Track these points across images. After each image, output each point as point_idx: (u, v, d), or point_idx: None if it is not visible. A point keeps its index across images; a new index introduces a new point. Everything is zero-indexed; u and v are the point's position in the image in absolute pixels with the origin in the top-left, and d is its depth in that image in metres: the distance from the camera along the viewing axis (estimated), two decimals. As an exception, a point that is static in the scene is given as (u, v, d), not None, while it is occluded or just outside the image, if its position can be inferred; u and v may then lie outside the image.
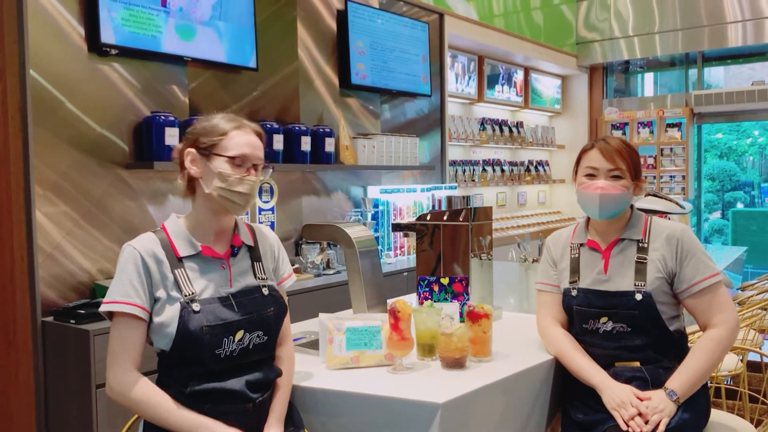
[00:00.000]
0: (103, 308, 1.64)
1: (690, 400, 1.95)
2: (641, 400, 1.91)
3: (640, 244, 2.06)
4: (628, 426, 1.87)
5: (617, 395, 1.92)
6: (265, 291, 1.77)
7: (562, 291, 2.15)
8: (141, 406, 1.61)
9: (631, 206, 2.14)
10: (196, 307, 1.64)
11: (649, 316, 1.99)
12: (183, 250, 1.71)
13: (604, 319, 2.04)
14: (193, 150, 1.71)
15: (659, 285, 2.01)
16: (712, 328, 2.01)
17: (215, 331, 1.63)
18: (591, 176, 2.08)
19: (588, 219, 2.18)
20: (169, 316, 1.63)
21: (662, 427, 1.86)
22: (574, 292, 2.10)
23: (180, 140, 3.26)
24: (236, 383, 1.67)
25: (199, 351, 1.62)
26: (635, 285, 2.01)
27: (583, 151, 2.14)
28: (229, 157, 1.68)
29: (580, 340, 2.09)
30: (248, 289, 1.75)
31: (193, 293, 1.66)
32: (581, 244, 2.15)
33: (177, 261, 1.69)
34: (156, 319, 1.64)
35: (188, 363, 1.65)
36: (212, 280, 1.71)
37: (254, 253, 1.81)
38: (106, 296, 1.64)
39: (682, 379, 1.94)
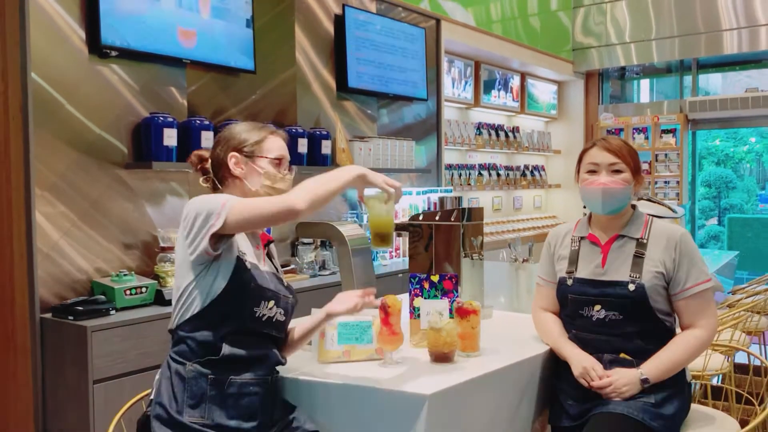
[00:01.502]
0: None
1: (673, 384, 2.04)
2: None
3: (640, 241, 2.12)
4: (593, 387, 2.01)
5: (581, 364, 2.04)
6: (285, 282, 1.96)
7: (557, 280, 2.21)
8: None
9: (633, 206, 2.20)
10: (248, 265, 1.81)
11: (641, 306, 2.05)
12: None
13: (597, 307, 2.10)
14: (236, 153, 1.90)
15: (655, 283, 2.06)
16: (695, 328, 2.07)
17: (256, 292, 1.81)
18: (593, 172, 2.15)
19: (590, 215, 2.24)
20: (228, 260, 1.78)
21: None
22: (569, 281, 2.16)
23: (177, 142, 3.31)
24: (261, 351, 1.82)
25: (242, 304, 1.78)
26: (630, 276, 2.07)
27: (584, 150, 2.21)
28: (271, 158, 1.92)
29: (573, 325, 2.16)
30: (276, 274, 1.95)
31: (244, 253, 1.83)
32: (582, 237, 2.21)
33: None
34: (218, 260, 1.78)
35: (224, 321, 1.77)
36: (254, 253, 1.89)
37: (271, 251, 2.03)
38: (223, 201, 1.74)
39: (658, 367, 2.02)
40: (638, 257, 2.09)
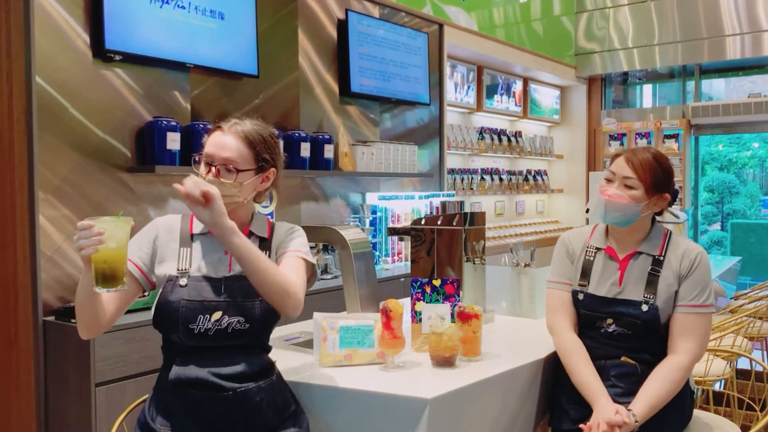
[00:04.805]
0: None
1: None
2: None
3: (656, 258, 2.08)
4: None
5: (604, 417, 1.90)
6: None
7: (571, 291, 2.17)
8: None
9: (653, 221, 2.15)
10: (182, 282, 1.75)
11: (652, 325, 2.03)
12: (196, 228, 1.86)
13: (609, 321, 2.08)
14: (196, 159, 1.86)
15: (670, 304, 2.04)
16: (678, 353, 2.01)
17: (192, 306, 1.72)
18: (609, 181, 2.11)
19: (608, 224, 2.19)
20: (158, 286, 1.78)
21: None
22: (581, 296, 2.13)
23: (181, 146, 3.33)
24: (199, 371, 1.71)
25: (175, 323, 1.72)
26: (644, 296, 2.04)
27: (614, 156, 2.16)
28: (202, 159, 1.81)
29: (583, 334, 2.13)
30: (244, 275, 1.76)
31: (185, 270, 1.78)
32: (598, 249, 2.16)
33: (189, 239, 1.83)
34: (158, 288, 1.79)
35: (169, 340, 1.76)
36: (213, 261, 1.81)
37: (264, 244, 1.88)
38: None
39: (647, 405, 1.93)
40: (653, 275, 2.06)
